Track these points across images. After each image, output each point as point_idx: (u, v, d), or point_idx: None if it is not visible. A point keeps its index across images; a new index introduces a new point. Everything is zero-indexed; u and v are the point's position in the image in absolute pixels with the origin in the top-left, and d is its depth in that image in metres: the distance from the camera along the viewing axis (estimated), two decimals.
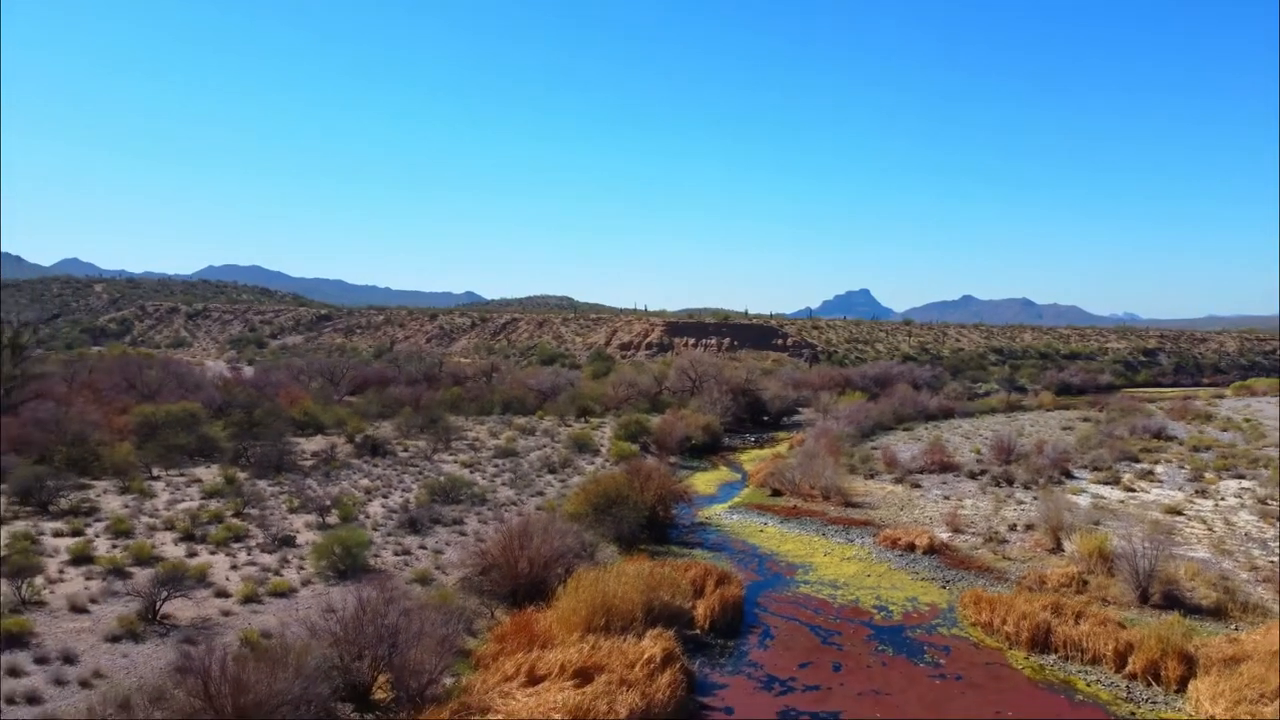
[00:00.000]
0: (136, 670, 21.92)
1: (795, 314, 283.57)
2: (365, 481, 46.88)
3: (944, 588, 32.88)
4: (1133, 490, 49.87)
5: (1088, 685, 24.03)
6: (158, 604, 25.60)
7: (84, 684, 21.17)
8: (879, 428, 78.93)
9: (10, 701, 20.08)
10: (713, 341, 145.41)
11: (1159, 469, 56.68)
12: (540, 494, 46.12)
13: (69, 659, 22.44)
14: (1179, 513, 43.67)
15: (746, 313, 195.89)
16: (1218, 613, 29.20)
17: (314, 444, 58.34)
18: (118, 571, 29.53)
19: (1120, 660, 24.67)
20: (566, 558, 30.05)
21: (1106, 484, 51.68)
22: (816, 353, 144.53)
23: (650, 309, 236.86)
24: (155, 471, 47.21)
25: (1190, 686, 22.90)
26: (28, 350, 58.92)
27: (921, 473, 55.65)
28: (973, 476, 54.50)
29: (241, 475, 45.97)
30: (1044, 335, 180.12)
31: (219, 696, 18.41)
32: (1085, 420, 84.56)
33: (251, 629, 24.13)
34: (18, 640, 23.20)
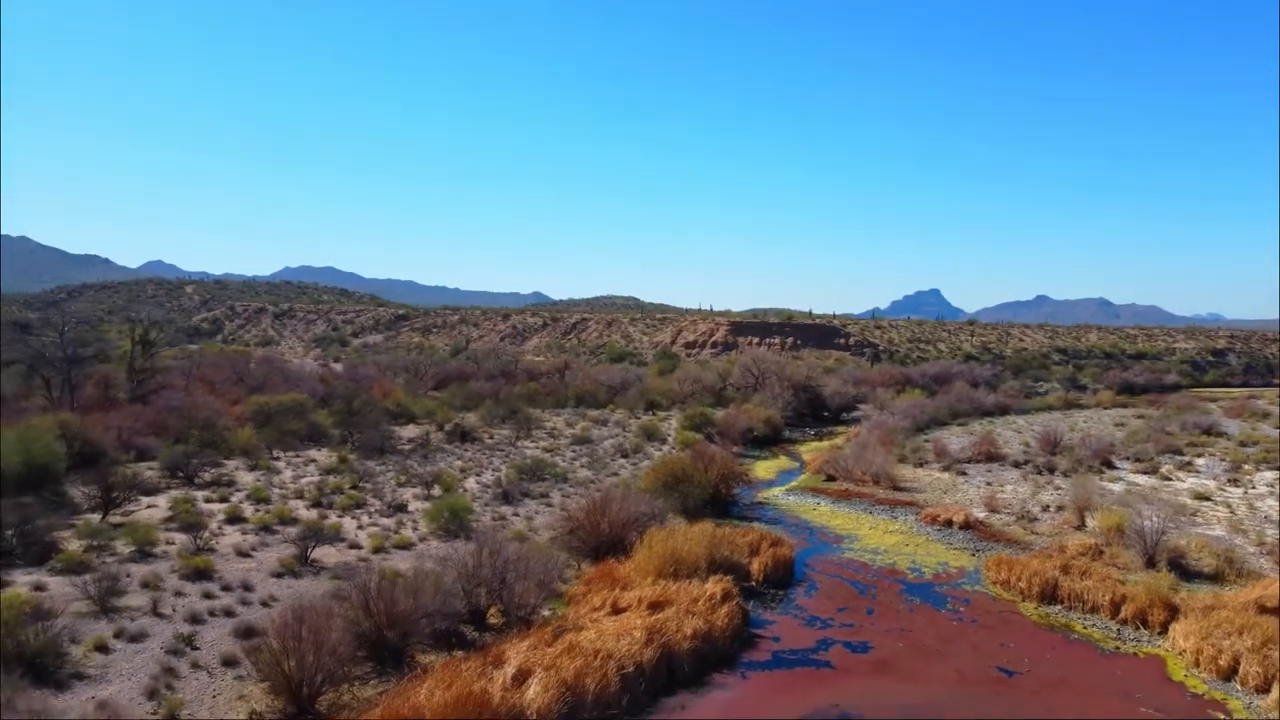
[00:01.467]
0: (301, 596, 27.49)
1: (862, 314, 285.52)
2: (458, 463, 52.51)
3: (974, 555, 37.14)
4: (1168, 479, 53.13)
5: (1084, 628, 28.29)
6: (308, 551, 31.31)
7: (264, 604, 26.83)
8: (934, 422, 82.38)
9: (210, 614, 25.77)
10: (776, 341, 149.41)
11: (1200, 461, 59.55)
12: (614, 475, 51.24)
13: (247, 587, 28.15)
14: (1206, 498, 46.98)
15: (810, 313, 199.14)
16: (1216, 578, 32.97)
17: (408, 431, 64.33)
18: (266, 529, 35.40)
19: (1115, 609, 28.85)
20: (640, 521, 35.08)
21: (1144, 473, 55.00)
22: (878, 352, 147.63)
23: (715, 309, 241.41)
24: (274, 453, 53.44)
25: (1170, 629, 27.01)
26: (156, 347, 65.88)
27: (969, 462, 59.49)
28: (1017, 466, 58.19)
29: (351, 456, 51.96)
30: (1110, 335, 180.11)
31: (375, 608, 23.83)
32: (1139, 417, 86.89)
33: (387, 568, 29.61)
34: (204, 574, 28.99)
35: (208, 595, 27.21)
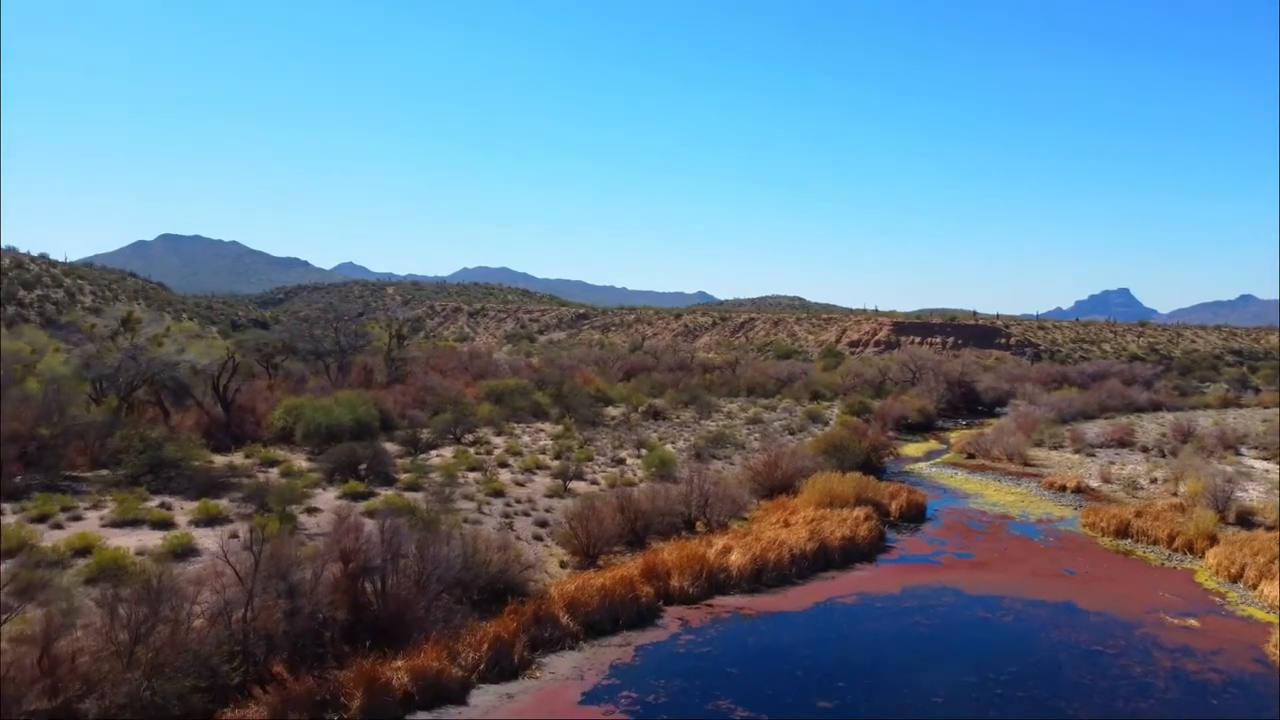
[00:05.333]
0: (568, 510, 39.99)
1: (1043, 314, 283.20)
2: (655, 435, 64.75)
3: (1075, 510, 46.22)
4: None
5: (1142, 554, 37.49)
6: (566, 482, 44.03)
7: (545, 511, 39.50)
8: (1081, 416, 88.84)
9: (513, 514, 38.60)
10: (937, 340, 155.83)
11: None
12: (782, 446, 62.18)
13: (531, 502, 40.95)
14: None
15: (974, 314, 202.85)
16: (1272, 529, 41.03)
17: (610, 411, 77.27)
18: (527, 470, 48.45)
19: (1170, 541, 37.87)
20: (805, 472, 46.13)
21: (1262, 459, 61.43)
22: (1039, 352, 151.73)
23: (881, 309, 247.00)
24: (508, 426, 67.21)
25: (1207, 553, 35.92)
26: (407, 339, 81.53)
27: (1100, 447, 67.12)
28: (1144, 450, 65.50)
29: (572, 426, 65.10)
30: None
31: (627, 508, 35.98)
32: None
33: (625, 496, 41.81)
34: (499, 494, 42.02)
35: (507, 505, 40.17)
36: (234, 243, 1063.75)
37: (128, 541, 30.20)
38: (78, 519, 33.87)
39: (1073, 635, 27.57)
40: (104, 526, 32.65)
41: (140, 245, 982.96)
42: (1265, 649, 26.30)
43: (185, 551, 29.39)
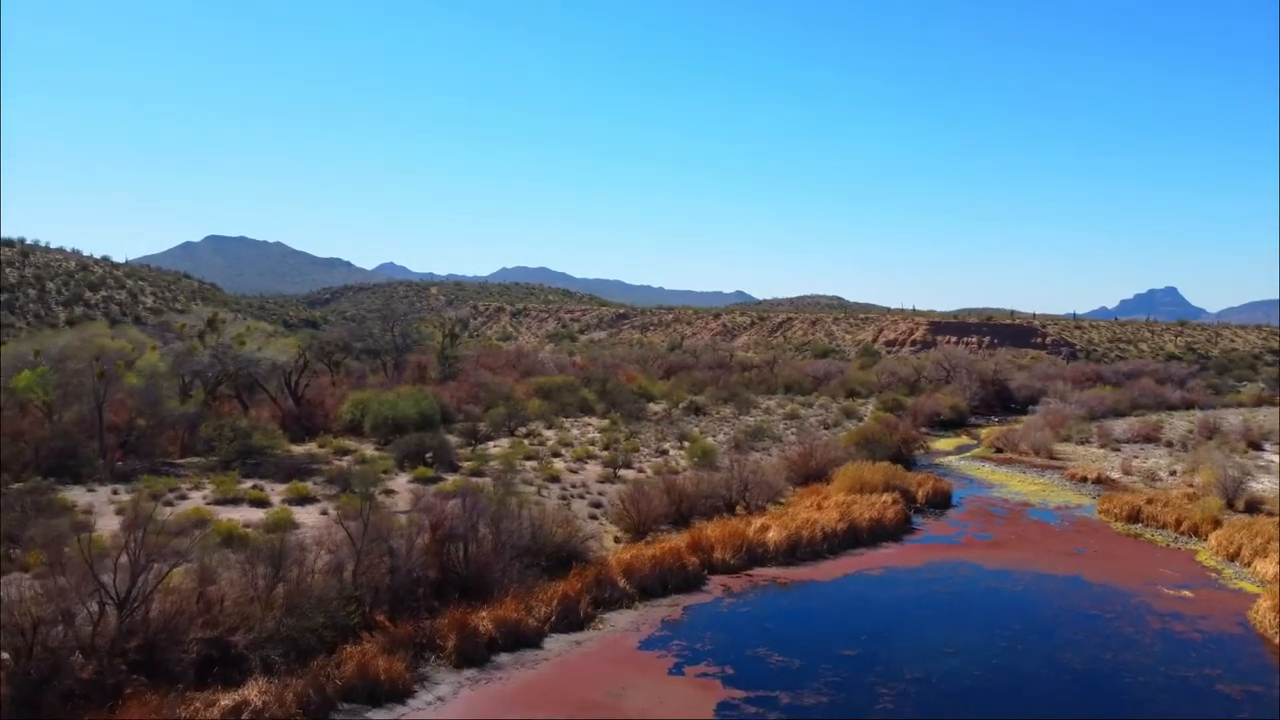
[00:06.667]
0: (620, 492, 43.70)
1: (1088, 314, 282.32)
2: (696, 429, 68.32)
3: (1093, 499, 49.11)
4: None
5: (1150, 537, 40.49)
6: (616, 469, 47.77)
7: (599, 494, 43.27)
8: (1112, 413, 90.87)
9: (569, 496, 42.39)
10: (973, 340, 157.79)
11: None
12: (818, 440, 65.48)
13: (585, 486, 44.76)
14: None
15: (1011, 313, 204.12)
16: (1274, 514, 43.68)
17: (652, 407, 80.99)
18: (579, 459, 52.26)
19: (1177, 525, 40.80)
20: (837, 461, 49.49)
21: None
22: (1074, 351, 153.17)
23: (920, 309, 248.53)
24: (558, 420, 71.14)
25: (1210, 536, 38.83)
26: (459, 339, 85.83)
27: (1126, 442, 69.61)
28: (1169, 445, 67.93)
29: (618, 420, 68.88)
30: None
31: (672, 490, 39.62)
32: None
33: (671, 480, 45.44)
34: (555, 479, 45.86)
35: (563, 489, 44.00)
36: (278, 243, 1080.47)
37: (234, 516, 34.44)
38: (184, 498, 38.30)
39: (1075, 602, 30.81)
40: (208, 504, 36.96)
41: (188, 246, 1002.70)
42: (1248, 615, 29.33)
43: (287, 524, 33.49)
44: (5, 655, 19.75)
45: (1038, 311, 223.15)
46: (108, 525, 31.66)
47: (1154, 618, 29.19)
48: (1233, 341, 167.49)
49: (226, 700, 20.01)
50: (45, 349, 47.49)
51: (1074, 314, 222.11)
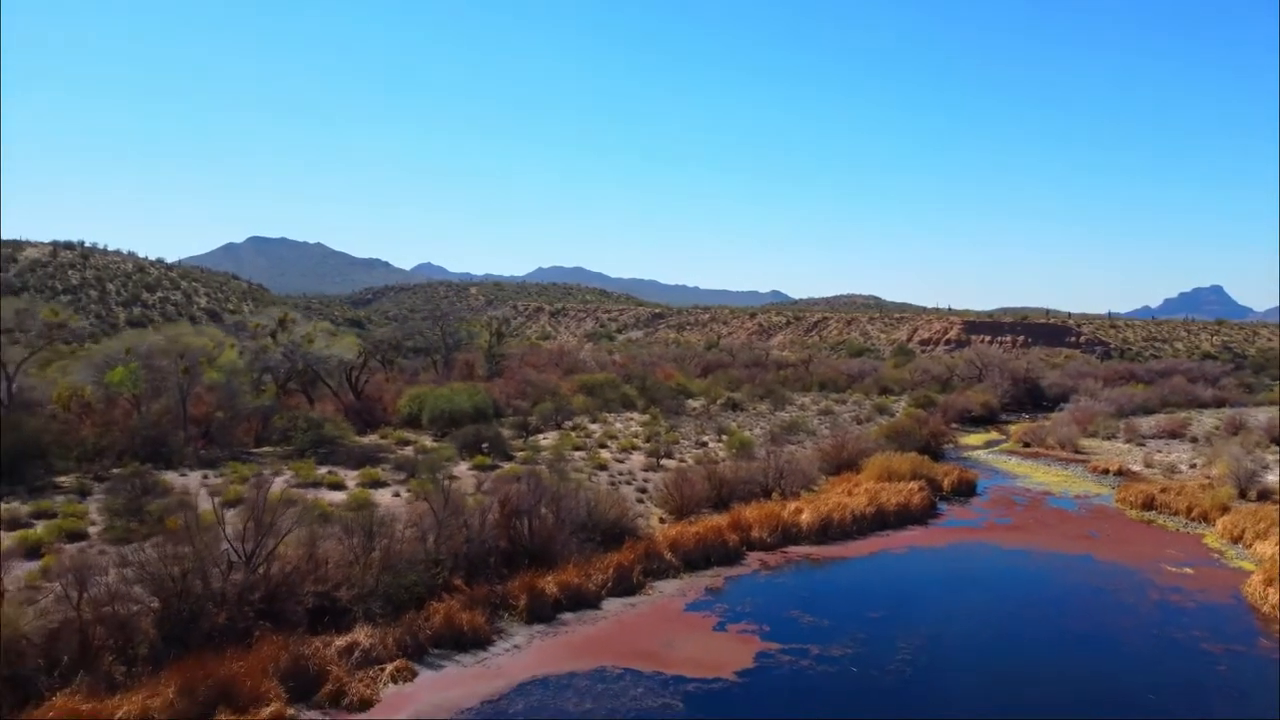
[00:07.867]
0: (664, 478, 47.02)
1: (1130, 313, 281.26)
2: (733, 424, 71.51)
3: (1113, 489, 51.69)
4: None
5: (1162, 522, 43.13)
6: (659, 458, 51.15)
7: (644, 480, 46.64)
8: (1141, 410, 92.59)
9: (617, 483, 45.78)
10: (1007, 339, 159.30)
11: None
12: (850, 432, 68.40)
13: (631, 473, 48.18)
14: None
15: (1046, 312, 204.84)
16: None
17: (690, 404, 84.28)
18: (624, 450, 55.69)
19: (1188, 512, 43.40)
20: (868, 453, 52.50)
21: None
22: (1109, 350, 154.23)
23: (955, 308, 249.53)
24: (601, 415, 74.61)
25: (1218, 521, 41.43)
26: (505, 337, 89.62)
27: (1152, 438, 71.77)
28: (1194, 441, 70.01)
29: (659, 415, 72.24)
30: None
31: (714, 477, 42.92)
32: None
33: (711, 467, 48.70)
34: (603, 467, 49.32)
35: (610, 476, 47.44)
36: (319, 244, 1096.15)
37: (317, 497, 38.24)
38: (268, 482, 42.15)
39: (1083, 577, 33.76)
40: (291, 488, 40.81)
41: (230, 247, 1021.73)
42: (1242, 589, 32.08)
43: (367, 504, 37.20)
44: (156, 603, 23.54)
45: (1076, 311, 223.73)
46: (203, 505, 35.58)
47: (1154, 590, 32.05)
48: (1270, 341, 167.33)
49: (340, 642, 23.71)
50: (135, 347, 51.70)
51: (1110, 313, 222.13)
